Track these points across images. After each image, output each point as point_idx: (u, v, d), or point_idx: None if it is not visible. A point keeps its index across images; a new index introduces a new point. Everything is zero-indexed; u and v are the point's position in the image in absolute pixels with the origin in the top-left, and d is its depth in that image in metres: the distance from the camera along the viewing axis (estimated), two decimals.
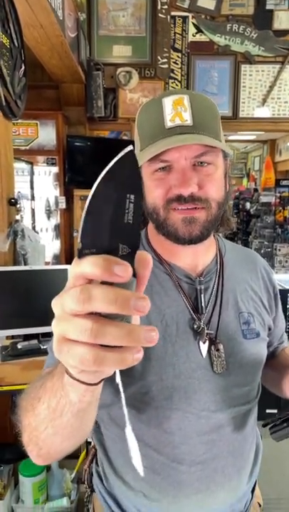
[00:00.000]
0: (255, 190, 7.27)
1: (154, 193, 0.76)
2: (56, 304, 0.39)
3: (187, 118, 0.73)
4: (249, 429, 0.85)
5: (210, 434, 0.78)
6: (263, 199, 6.01)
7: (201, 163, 0.75)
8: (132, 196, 0.36)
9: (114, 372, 0.42)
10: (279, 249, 5.44)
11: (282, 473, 2.31)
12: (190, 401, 0.77)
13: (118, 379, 0.42)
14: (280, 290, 3.13)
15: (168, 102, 0.74)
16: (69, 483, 2.06)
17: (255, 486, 0.92)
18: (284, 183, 5.84)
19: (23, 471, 2.00)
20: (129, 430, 0.44)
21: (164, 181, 0.75)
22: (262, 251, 5.68)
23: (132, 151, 0.37)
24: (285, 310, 2.99)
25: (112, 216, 0.36)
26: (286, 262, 5.32)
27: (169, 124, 0.73)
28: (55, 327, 0.39)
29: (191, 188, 0.72)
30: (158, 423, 0.77)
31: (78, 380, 0.44)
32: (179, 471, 0.77)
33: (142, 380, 0.75)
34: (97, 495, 0.89)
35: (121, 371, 0.76)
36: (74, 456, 2.17)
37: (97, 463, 0.92)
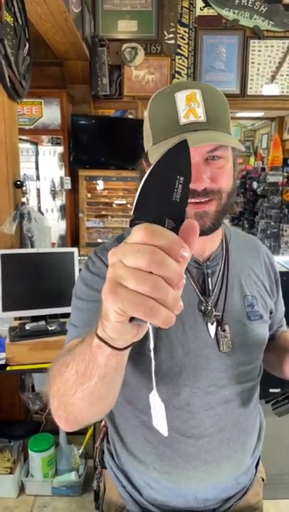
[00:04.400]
0: (263, 169, 7.17)
1: None
2: (116, 254, 0.43)
3: (201, 114, 0.74)
4: (252, 405, 0.90)
5: (216, 409, 0.83)
6: (270, 179, 5.94)
7: (213, 157, 0.77)
8: (182, 178, 0.42)
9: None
10: (285, 230, 5.41)
11: (285, 450, 2.37)
12: (198, 378, 0.81)
13: (151, 345, 0.49)
14: (286, 273, 3.11)
15: (181, 97, 0.74)
16: (77, 458, 2.14)
17: (259, 461, 0.98)
18: None
19: (33, 446, 2.07)
20: (155, 394, 0.53)
21: None
22: (268, 231, 5.65)
23: (186, 141, 0.43)
24: None
25: (163, 194, 0.42)
26: None
27: (183, 120, 0.74)
28: (112, 273, 0.43)
29: (204, 183, 0.75)
30: (168, 399, 0.81)
31: (106, 343, 0.50)
32: (188, 444, 0.83)
33: (154, 358, 0.78)
34: (109, 471, 0.94)
35: (135, 350, 0.80)
36: (82, 432, 2.24)
37: (108, 441, 0.97)
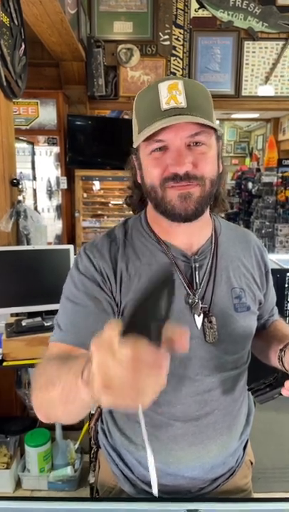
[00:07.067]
0: (258, 170, 7.22)
1: (152, 173, 0.80)
2: (104, 356, 0.47)
3: (182, 101, 0.76)
4: (238, 391, 0.93)
5: (202, 395, 0.86)
6: (265, 179, 5.98)
7: (196, 143, 0.78)
8: (168, 296, 0.50)
9: None
10: (280, 230, 5.45)
11: (278, 445, 2.40)
12: (185, 367, 0.84)
13: (141, 417, 0.56)
14: (280, 270, 3.13)
15: (163, 87, 0.77)
16: (73, 453, 2.16)
17: (247, 444, 1.01)
18: (286, 162, 5.80)
19: (29, 441, 2.09)
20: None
21: (161, 161, 0.79)
22: (263, 231, 5.70)
23: (171, 273, 0.53)
24: (283, 290, 3.03)
25: (151, 313, 0.49)
26: (287, 242, 5.35)
27: (164, 106, 0.76)
28: (99, 371, 0.48)
29: (185, 166, 0.77)
30: None
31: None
32: (175, 427, 0.86)
33: None
34: (102, 450, 0.98)
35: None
36: (78, 427, 2.26)
37: (102, 421, 1.00)
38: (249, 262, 0.96)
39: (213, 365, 0.86)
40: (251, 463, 1.04)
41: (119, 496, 0.94)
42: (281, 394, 0.82)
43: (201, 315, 0.85)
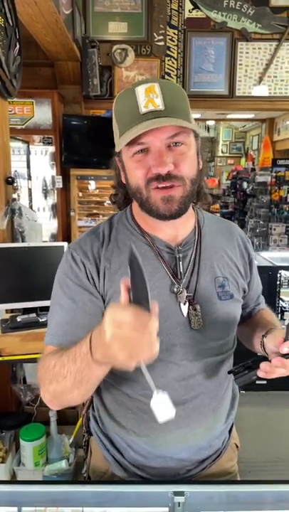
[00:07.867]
0: (253, 169, 7.26)
1: (136, 175, 0.84)
2: (115, 319, 0.64)
3: (159, 103, 0.80)
4: (223, 376, 0.97)
5: (188, 380, 0.90)
6: (259, 179, 6.04)
7: (175, 143, 0.82)
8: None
9: None
10: (274, 229, 5.50)
11: (268, 439, 2.45)
12: (170, 353, 0.88)
13: (144, 370, 0.71)
14: (272, 267, 3.17)
15: (141, 90, 0.81)
16: (67, 447, 2.19)
17: (232, 427, 1.05)
18: (280, 162, 5.85)
19: (24, 436, 2.12)
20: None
21: (143, 162, 0.83)
22: (257, 230, 5.75)
23: (132, 254, 0.69)
24: (275, 287, 3.08)
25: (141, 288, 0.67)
26: (280, 241, 5.40)
27: (143, 110, 0.80)
28: (109, 326, 0.65)
29: (167, 167, 0.81)
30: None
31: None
32: None
33: None
34: (94, 436, 1.02)
35: None
36: (72, 422, 2.30)
37: (93, 408, 1.04)
38: (233, 252, 1.00)
39: (198, 351, 0.90)
40: (237, 446, 1.08)
41: (108, 480, 0.98)
42: (259, 377, 0.85)
43: (187, 303, 0.89)
